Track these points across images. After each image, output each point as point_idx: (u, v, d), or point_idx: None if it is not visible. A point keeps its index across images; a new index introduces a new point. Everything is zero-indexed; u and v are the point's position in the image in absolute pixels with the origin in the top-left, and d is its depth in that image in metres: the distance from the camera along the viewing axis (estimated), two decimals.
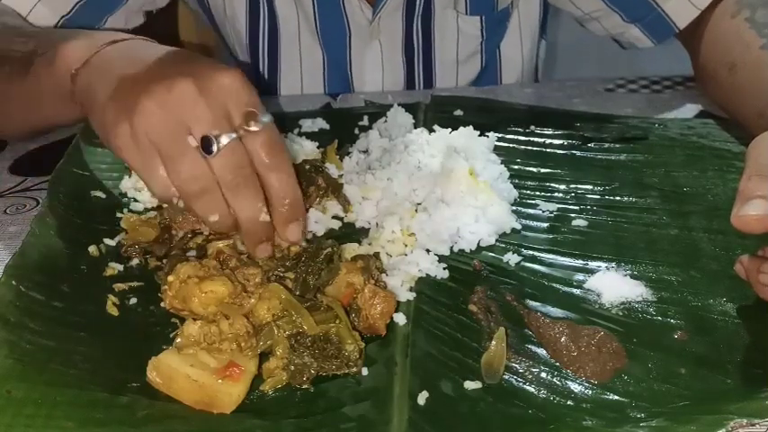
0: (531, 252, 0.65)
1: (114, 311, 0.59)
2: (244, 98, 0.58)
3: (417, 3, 0.95)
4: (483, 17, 0.98)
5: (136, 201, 0.73)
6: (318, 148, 0.76)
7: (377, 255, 0.62)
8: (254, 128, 0.57)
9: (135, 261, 0.65)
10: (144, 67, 0.60)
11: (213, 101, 0.57)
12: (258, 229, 0.59)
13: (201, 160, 0.57)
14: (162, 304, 0.57)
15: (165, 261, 0.62)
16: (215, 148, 0.56)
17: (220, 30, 1.02)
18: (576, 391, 0.52)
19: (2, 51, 0.73)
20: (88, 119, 0.63)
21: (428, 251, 0.64)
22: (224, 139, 0.56)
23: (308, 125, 0.85)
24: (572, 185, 0.73)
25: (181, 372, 0.51)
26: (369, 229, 0.68)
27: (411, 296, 0.60)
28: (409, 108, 0.84)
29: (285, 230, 0.60)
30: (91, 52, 0.64)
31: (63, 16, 0.83)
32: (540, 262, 0.64)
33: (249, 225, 0.59)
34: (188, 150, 0.56)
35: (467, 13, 0.97)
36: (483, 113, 0.87)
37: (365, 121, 0.85)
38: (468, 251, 0.65)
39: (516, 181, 0.73)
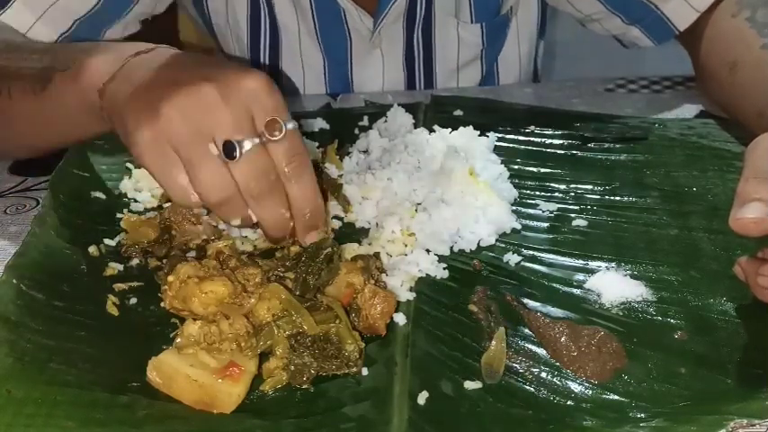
0: (531, 252, 0.65)
1: (114, 311, 0.59)
2: (268, 103, 0.57)
3: (418, 12, 0.95)
4: (483, 24, 0.98)
5: (136, 201, 0.73)
6: (318, 148, 0.76)
7: (377, 255, 0.62)
8: (276, 136, 0.57)
9: (135, 261, 0.65)
10: (167, 74, 0.59)
11: (236, 106, 0.56)
12: (280, 229, 0.60)
13: (223, 167, 0.56)
14: (162, 304, 0.57)
15: (165, 261, 0.62)
16: (237, 153, 0.55)
17: (218, 37, 1.02)
18: (576, 391, 0.52)
19: (12, 68, 0.71)
20: (116, 131, 0.61)
21: (428, 251, 0.64)
22: (247, 145, 0.56)
23: (308, 125, 0.85)
24: (572, 185, 0.73)
25: (181, 372, 0.51)
26: (369, 229, 0.68)
27: (411, 296, 0.60)
28: (409, 108, 0.84)
29: (304, 237, 0.61)
30: (117, 65, 0.62)
31: (62, 33, 0.81)
32: (540, 262, 0.64)
33: (271, 228, 0.60)
34: (209, 157, 0.55)
35: (471, 22, 0.97)
36: (483, 113, 0.87)
37: (365, 121, 0.85)
38: (468, 251, 0.65)
39: (516, 181, 0.73)
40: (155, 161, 0.57)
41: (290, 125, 0.58)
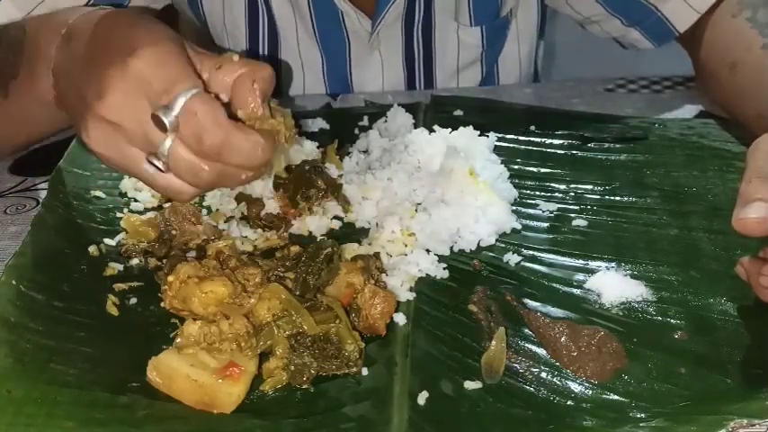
0: (531, 252, 0.65)
1: (114, 311, 0.59)
2: (158, 87, 0.51)
3: (416, 14, 0.95)
4: (483, 27, 0.98)
5: (136, 201, 0.73)
6: (318, 148, 0.76)
7: (377, 255, 0.62)
8: (166, 121, 0.50)
9: (135, 261, 0.65)
10: (81, 88, 0.56)
11: (133, 111, 0.52)
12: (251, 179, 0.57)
13: (167, 175, 0.54)
14: (162, 304, 0.57)
15: (165, 261, 0.62)
16: (157, 163, 0.53)
17: (215, 40, 1.01)
18: (576, 391, 0.52)
19: None
20: None
21: (428, 251, 0.64)
22: (162, 151, 0.52)
23: (308, 125, 0.85)
24: (572, 185, 0.73)
25: (181, 372, 0.51)
26: (369, 229, 0.68)
27: (411, 296, 0.60)
28: (409, 108, 0.84)
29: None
30: (52, 74, 0.61)
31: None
32: (540, 262, 0.64)
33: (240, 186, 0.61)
34: (148, 174, 0.54)
35: (471, 25, 0.97)
36: (483, 113, 0.87)
37: (365, 121, 0.85)
38: (468, 251, 0.65)
39: (516, 181, 0.73)
40: (123, 172, 0.57)
41: (179, 102, 0.50)
